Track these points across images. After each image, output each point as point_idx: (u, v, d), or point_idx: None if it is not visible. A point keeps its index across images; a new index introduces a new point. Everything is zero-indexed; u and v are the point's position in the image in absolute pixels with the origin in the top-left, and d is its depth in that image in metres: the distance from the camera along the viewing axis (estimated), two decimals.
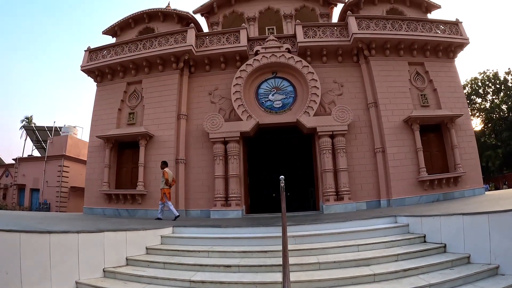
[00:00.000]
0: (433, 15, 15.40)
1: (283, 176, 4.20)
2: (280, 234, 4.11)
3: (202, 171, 12.91)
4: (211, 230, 7.04)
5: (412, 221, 6.41)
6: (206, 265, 5.04)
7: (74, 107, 76.37)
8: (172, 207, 10.14)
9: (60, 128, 28.50)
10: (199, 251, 5.72)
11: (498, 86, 33.83)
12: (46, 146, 26.78)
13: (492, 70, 34.35)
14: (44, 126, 30.01)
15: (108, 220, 9.61)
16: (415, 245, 5.64)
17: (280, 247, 4.06)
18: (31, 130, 30.28)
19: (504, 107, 33.14)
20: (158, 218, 10.17)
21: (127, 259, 5.61)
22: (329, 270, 4.69)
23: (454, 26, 14.00)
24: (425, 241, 5.79)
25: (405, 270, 4.49)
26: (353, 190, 12.17)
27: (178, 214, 10.12)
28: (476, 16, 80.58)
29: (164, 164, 10.75)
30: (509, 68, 33.57)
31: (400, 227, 6.47)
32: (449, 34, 13.78)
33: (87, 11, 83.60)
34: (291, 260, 4.25)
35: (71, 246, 4.78)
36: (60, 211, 21.96)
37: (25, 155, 27.74)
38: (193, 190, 12.81)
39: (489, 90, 34.68)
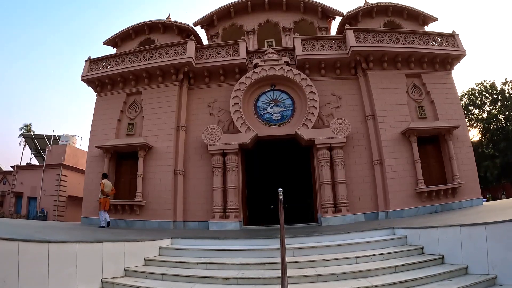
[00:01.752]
0: (430, 28, 15.67)
1: (281, 189, 4.25)
2: (278, 246, 4.15)
3: (201, 183, 12.92)
4: (209, 242, 7.06)
5: (410, 233, 6.44)
6: (205, 277, 5.05)
7: (74, 116, 76.47)
8: (101, 217, 11.11)
9: (59, 137, 28.54)
10: (197, 263, 5.73)
11: (495, 96, 34.06)
12: (44, 154, 26.80)
13: (489, 81, 34.63)
14: (43, 135, 30.05)
15: (106, 231, 9.59)
16: (413, 256, 5.66)
17: (278, 259, 4.09)
18: (30, 138, 30.31)
19: (501, 117, 33.34)
20: (101, 226, 10.96)
21: (125, 270, 5.61)
22: (327, 282, 4.71)
23: (451, 38, 14.19)
24: (423, 253, 5.82)
25: (402, 282, 4.50)
26: (351, 202, 12.18)
27: (103, 225, 10.98)
28: (473, 27, 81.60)
29: (103, 176, 11.90)
30: (506, 78, 33.81)
31: (398, 239, 6.50)
32: (446, 46, 13.96)
33: (88, 21, 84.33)
34: (289, 272, 4.28)
35: (70, 256, 4.79)
36: (57, 220, 21.86)
37: (23, 163, 27.73)
38: (191, 202, 12.80)
39: (486, 100, 34.91)
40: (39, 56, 79.73)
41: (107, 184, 11.62)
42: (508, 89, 33.41)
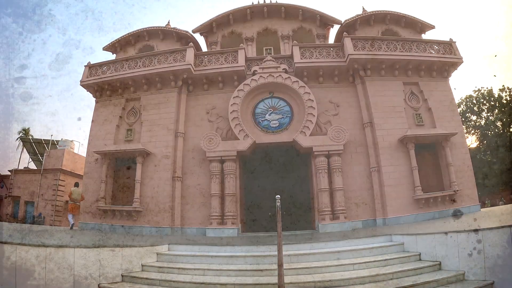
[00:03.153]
0: (427, 35, 15.80)
1: (279, 196, 4.29)
2: (276, 253, 4.17)
3: (199, 189, 12.92)
4: (207, 248, 7.06)
5: (407, 240, 6.47)
6: (202, 283, 5.06)
7: (72, 121, 76.21)
8: (70, 220, 12.65)
9: (57, 141, 28.51)
10: (194, 269, 5.73)
11: (492, 103, 34.28)
12: (42, 159, 26.75)
13: (487, 88, 34.88)
14: (41, 139, 29.98)
15: (104, 236, 9.57)
16: (410, 263, 5.69)
17: (275, 266, 4.11)
18: (28, 142, 30.24)
19: (499, 123, 33.52)
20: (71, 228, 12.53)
21: (122, 276, 5.61)
22: None
23: (448, 46, 14.31)
24: (420, 259, 5.85)
25: None
26: (349, 209, 12.20)
27: (70, 227, 12.61)
28: (471, 34, 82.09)
29: (75, 185, 13.40)
30: (503, 85, 34.02)
31: (395, 245, 6.52)
32: (443, 54, 14.07)
33: (88, 26, 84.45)
34: (287, 279, 4.30)
35: (68, 261, 4.79)
36: (54, 225, 21.75)
37: (21, 167, 27.64)
38: (189, 208, 12.80)
39: (484, 107, 35.10)
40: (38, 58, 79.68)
41: (75, 191, 12.74)
42: (506, 96, 33.64)
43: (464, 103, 35.70)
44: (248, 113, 13.49)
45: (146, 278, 5.45)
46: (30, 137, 32.45)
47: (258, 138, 12.96)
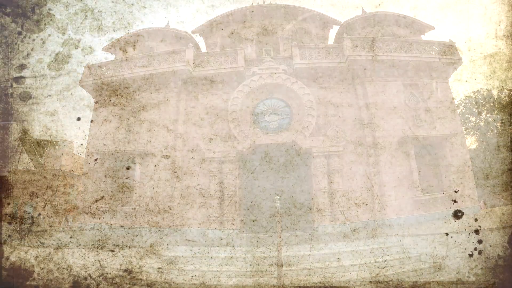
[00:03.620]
0: (426, 36, 15.82)
1: (278, 196, 4.27)
2: (275, 254, 4.15)
3: (198, 190, 12.90)
4: (207, 249, 7.05)
5: (407, 241, 6.46)
6: (201, 284, 5.04)
7: (72, 121, 76.13)
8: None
9: (56, 142, 28.43)
10: (194, 270, 5.71)
11: (491, 104, 34.23)
12: (41, 159, 26.68)
13: (486, 89, 34.85)
14: (40, 139, 29.89)
15: (104, 237, 9.56)
16: (411, 264, 5.67)
17: (275, 267, 4.09)
18: (27, 142, 30.15)
19: (498, 124, 33.47)
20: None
21: (122, 276, 5.58)
22: None
23: (448, 47, 14.30)
24: (420, 260, 5.83)
25: None
26: (349, 209, 12.18)
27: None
28: (471, 34, 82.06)
29: (72, 186, 12.69)
30: (502, 86, 34.02)
31: (395, 246, 6.51)
32: (442, 55, 14.07)
33: (88, 25, 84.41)
34: (287, 280, 4.28)
35: (67, 262, 4.77)
36: (53, 226, 21.68)
37: (20, 168, 27.54)
38: (188, 209, 12.77)
39: (483, 108, 35.06)
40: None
41: (73, 191, 12.72)
42: (505, 97, 33.62)
43: (463, 104, 35.71)
44: (247, 114, 13.48)
45: (146, 279, 5.42)
46: (29, 138, 32.36)
47: (258, 138, 12.97)
